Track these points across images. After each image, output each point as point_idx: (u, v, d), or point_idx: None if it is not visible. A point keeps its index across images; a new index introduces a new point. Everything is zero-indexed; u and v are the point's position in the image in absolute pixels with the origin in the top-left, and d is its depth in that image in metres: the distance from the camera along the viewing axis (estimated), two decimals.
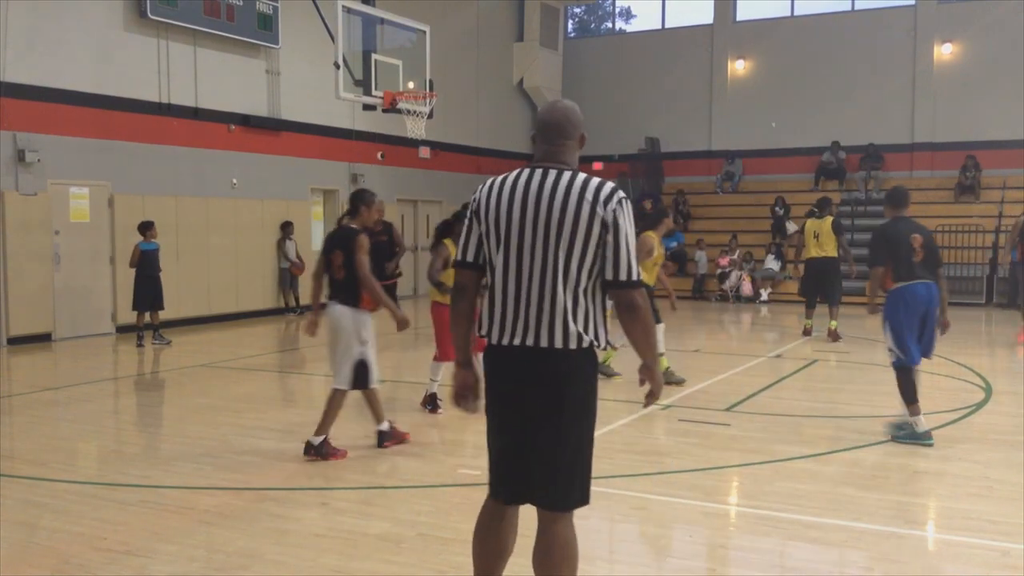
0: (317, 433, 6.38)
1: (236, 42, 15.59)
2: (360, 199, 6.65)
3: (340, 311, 6.38)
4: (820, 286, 12.96)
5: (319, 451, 6.36)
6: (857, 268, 13.65)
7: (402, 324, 6.49)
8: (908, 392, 6.79)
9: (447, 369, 7.82)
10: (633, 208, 3.36)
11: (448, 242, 7.74)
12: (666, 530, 5.15)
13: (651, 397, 3.46)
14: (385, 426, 6.74)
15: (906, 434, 6.82)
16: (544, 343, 3.22)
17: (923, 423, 6.78)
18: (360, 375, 6.41)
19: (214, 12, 14.98)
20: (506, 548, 3.48)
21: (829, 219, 12.79)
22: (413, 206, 20.59)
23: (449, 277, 7.78)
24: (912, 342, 6.77)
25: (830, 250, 12.67)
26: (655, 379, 3.42)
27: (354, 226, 6.54)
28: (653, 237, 9.16)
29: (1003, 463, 6.27)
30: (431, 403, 8.13)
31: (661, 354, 9.04)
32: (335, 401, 6.43)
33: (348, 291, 6.39)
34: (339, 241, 6.44)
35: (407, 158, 19.76)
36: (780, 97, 22.65)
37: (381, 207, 6.95)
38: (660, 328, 9.00)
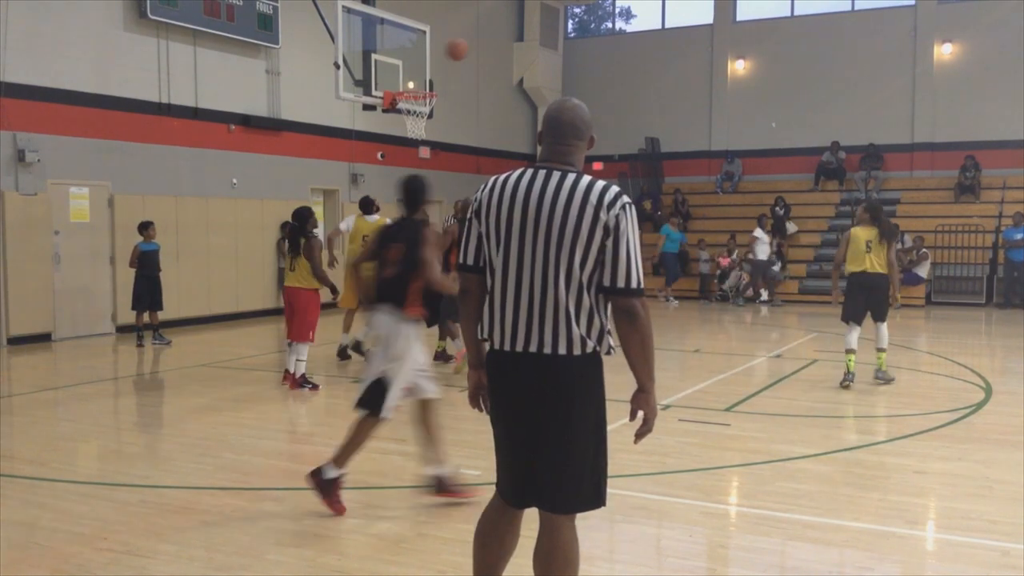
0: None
1: (236, 42, 15.59)
2: None
3: None
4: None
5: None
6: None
7: None
8: None
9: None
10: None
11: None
12: (666, 530, 5.15)
13: (645, 427, 3.24)
14: None
15: None
16: (548, 349, 3.12)
17: None
18: None
19: (214, 12, 14.98)
20: (507, 550, 3.44)
21: None
22: None
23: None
24: None
25: None
26: (651, 408, 3.22)
27: None
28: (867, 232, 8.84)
29: (1003, 463, 6.27)
30: (305, 382, 9.12)
31: (882, 350, 9.01)
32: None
33: None
34: None
35: (407, 158, 19.74)
36: (780, 97, 22.64)
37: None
38: (882, 327, 8.95)
